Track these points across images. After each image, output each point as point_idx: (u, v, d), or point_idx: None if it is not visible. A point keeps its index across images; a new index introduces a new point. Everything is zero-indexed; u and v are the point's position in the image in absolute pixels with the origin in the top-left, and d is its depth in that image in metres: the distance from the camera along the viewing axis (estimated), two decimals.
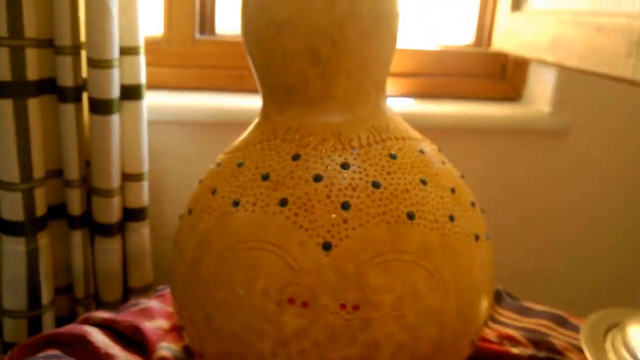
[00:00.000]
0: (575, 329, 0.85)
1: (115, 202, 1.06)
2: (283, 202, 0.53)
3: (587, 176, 1.31)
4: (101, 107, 1.00)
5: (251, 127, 0.62)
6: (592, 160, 1.30)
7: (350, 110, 0.56)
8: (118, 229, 1.08)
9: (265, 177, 0.54)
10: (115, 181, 1.05)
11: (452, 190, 0.57)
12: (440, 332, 0.54)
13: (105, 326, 0.78)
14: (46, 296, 1.03)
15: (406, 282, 0.52)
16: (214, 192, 0.57)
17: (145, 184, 1.09)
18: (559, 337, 0.87)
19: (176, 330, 0.76)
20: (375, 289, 0.51)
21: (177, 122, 1.18)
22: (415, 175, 0.55)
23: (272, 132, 0.57)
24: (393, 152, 0.55)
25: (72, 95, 0.98)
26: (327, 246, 0.51)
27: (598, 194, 1.32)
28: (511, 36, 1.16)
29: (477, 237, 0.58)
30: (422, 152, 0.58)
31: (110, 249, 1.08)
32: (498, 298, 0.98)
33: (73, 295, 1.10)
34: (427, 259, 0.53)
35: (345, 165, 0.54)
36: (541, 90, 1.27)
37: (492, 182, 1.29)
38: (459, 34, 1.34)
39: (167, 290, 0.92)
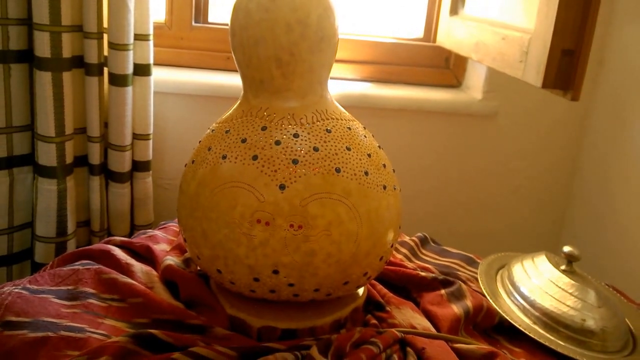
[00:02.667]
0: (478, 267, 1.11)
1: (127, 155, 1.30)
2: (254, 158, 0.78)
3: (512, 152, 1.54)
4: (118, 80, 1.24)
5: (235, 105, 0.86)
6: (517, 139, 1.53)
7: (302, 98, 0.81)
8: (128, 177, 1.33)
9: (243, 141, 0.80)
10: (128, 139, 1.29)
11: (369, 155, 0.83)
12: (356, 248, 0.80)
13: (123, 246, 1.03)
14: (70, 227, 1.28)
15: (333, 212, 0.78)
16: (209, 149, 0.82)
17: (150, 143, 1.33)
18: (464, 272, 1.13)
19: (176, 250, 1.02)
20: (313, 216, 0.77)
21: (176, 94, 1.41)
22: (343, 144, 0.80)
23: (249, 110, 0.82)
24: (329, 127, 0.81)
25: (96, 70, 1.22)
26: (282, 187, 0.77)
27: (521, 166, 1.56)
28: (449, 35, 1.40)
29: (385, 187, 0.84)
30: (349, 128, 0.83)
31: (121, 193, 1.33)
32: (424, 242, 1.25)
33: (90, 229, 1.35)
34: (348, 198, 0.79)
35: (296, 135, 0.79)
36: (476, 80, 1.50)
37: (434, 155, 1.51)
38: (410, 29, 1.58)
39: (168, 224, 1.17)
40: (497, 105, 1.48)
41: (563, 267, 1.00)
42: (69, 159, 1.23)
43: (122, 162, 1.30)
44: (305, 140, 0.79)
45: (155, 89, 1.33)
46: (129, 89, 1.25)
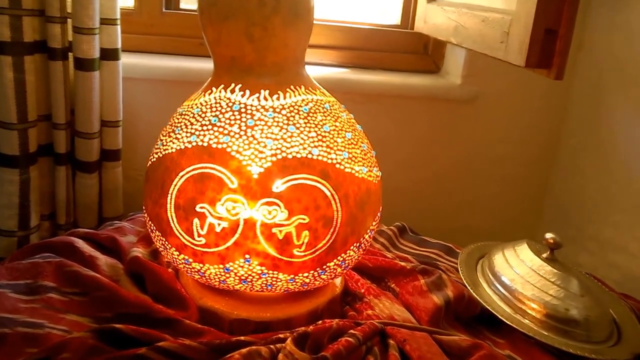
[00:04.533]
0: (457, 257, 1.07)
1: (95, 143, 1.23)
2: (226, 139, 0.72)
3: (493, 137, 1.49)
4: (84, 64, 1.16)
5: (206, 83, 0.81)
6: (497, 124, 1.48)
7: (276, 75, 0.76)
8: (96, 167, 1.26)
9: (214, 121, 0.74)
10: (96, 126, 1.22)
11: (348, 136, 0.78)
12: (334, 235, 0.75)
13: (87, 238, 0.97)
14: (34, 220, 1.20)
15: (310, 196, 0.73)
16: (176, 131, 0.76)
17: (119, 130, 1.26)
18: (444, 262, 1.09)
19: (143, 241, 0.96)
20: (288, 200, 0.72)
21: (147, 80, 1.35)
22: (321, 123, 0.75)
23: (220, 88, 0.76)
24: (305, 105, 0.76)
25: (60, 54, 1.15)
26: (256, 170, 0.72)
27: (501, 150, 1.50)
28: (427, 21, 1.35)
29: (365, 171, 0.79)
30: (327, 107, 0.78)
31: (89, 184, 1.25)
32: (402, 232, 1.20)
33: (55, 222, 1.28)
34: (326, 181, 0.74)
35: (271, 113, 0.74)
36: (455, 65, 1.46)
37: (414, 142, 1.47)
38: (387, 16, 1.54)
39: (136, 215, 1.11)
40: (476, 89, 1.44)
41: (545, 255, 0.96)
42: (32, 148, 1.16)
43: (89, 151, 1.23)
44: (281, 119, 0.74)
45: (124, 75, 1.26)
46: (96, 73, 1.18)
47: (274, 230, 0.72)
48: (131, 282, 0.86)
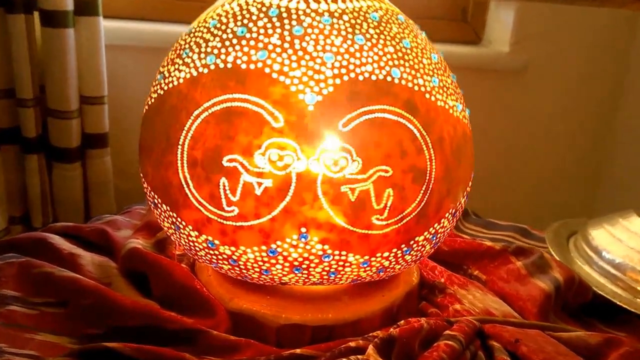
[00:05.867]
0: (538, 239, 0.83)
1: (74, 124, 0.97)
2: (262, 56, 0.47)
3: (544, 110, 1.28)
4: (54, 19, 0.90)
5: None
6: (548, 95, 1.28)
7: None
8: (78, 156, 1.00)
9: (242, 32, 0.49)
10: (73, 103, 0.96)
11: (435, 58, 0.53)
12: (426, 194, 0.50)
13: (67, 234, 0.71)
14: (0, 223, 0.94)
15: (393, 138, 0.48)
16: (186, 53, 0.51)
17: (105, 109, 1.00)
18: (524, 244, 0.85)
19: (143, 231, 0.70)
20: (362, 145, 0.47)
21: (135, 48, 1.09)
22: (398, 36, 0.51)
23: None
24: (373, 12, 0.51)
25: (21, 5, 0.89)
26: (311, 99, 0.47)
27: (553, 125, 1.30)
28: None
29: (459, 109, 0.54)
30: (401, 19, 0.53)
31: (69, 176, 0.99)
32: (465, 215, 0.96)
33: (30, 225, 1.01)
34: (413, 117, 0.49)
35: (327, 19, 0.49)
36: (500, 32, 1.24)
37: None
38: None
39: (133, 207, 0.85)
40: (526, 58, 1.22)
41: None
42: None
43: (68, 135, 0.97)
44: (343, 26, 0.49)
45: (109, 42, 1.00)
46: (70, 31, 0.92)
47: (343, 189, 0.47)
48: (128, 284, 0.60)
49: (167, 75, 0.52)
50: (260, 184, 0.47)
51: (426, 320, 0.54)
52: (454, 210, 0.55)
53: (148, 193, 0.54)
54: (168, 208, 0.51)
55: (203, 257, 0.53)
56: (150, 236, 0.68)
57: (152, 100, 0.53)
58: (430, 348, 0.50)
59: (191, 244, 0.52)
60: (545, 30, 1.21)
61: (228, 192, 0.47)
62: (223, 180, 0.47)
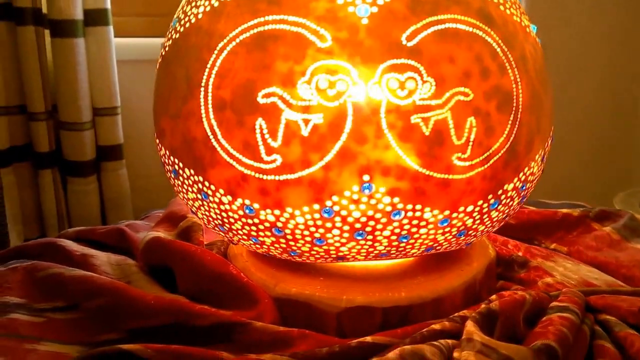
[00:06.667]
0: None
1: (87, 137, 0.85)
2: None
3: (562, 77, 1.14)
4: (64, 29, 0.80)
5: None
6: (565, 63, 1.14)
7: None
8: (93, 169, 0.88)
9: None
10: (85, 114, 0.84)
11: None
12: (515, 124, 0.37)
13: (80, 239, 0.57)
14: (15, 242, 0.81)
15: (470, 53, 0.35)
16: None
17: (118, 120, 0.89)
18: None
19: (164, 223, 0.57)
20: (432, 61, 0.34)
21: (150, 62, 0.98)
22: None
23: None
24: None
25: (31, 17, 0.78)
26: (363, 11, 0.34)
27: (574, 92, 1.16)
28: None
29: (534, 31, 0.42)
30: None
31: (85, 190, 0.87)
32: None
33: None
34: (490, 29, 0.36)
35: None
36: None
37: None
38: None
39: (152, 213, 0.72)
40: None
41: None
42: (1, 144, 0.78)
43: (81, 147, 0.85)
44: None
45: (119, 58, 0.89)
46: (80, 41, 0.82)
47: (414, 119, 0.34)
48: (151, 281, 0.46)
49: (182, 17, 0.40)
50: (307, 121, 0.34)
51: (527, 292, 0.40)
52: (543, 153, 0.41)
53: (166, 160, 0.41)
54: (192, 172, 0.38)
55: (239, 232, 0.39)
56: (173, 227, 0.54)
57: (167, 48, 0.41)
58: (541, 323, 0.36)
59: (223, 216, 0.39)
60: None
61: (267, 136, 0.34)
62: (259, 121, 0.34)
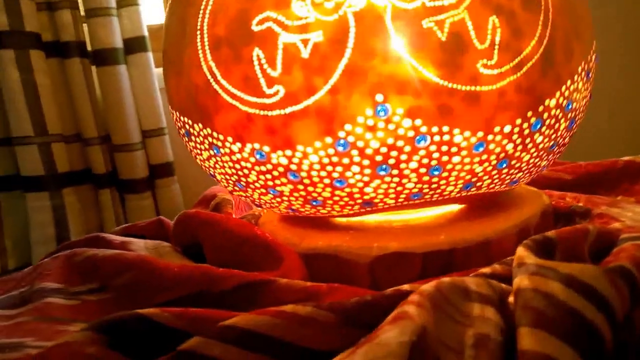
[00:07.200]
0: None
1: (139, 157, 0.84)
2: None
3: None
4: (106, 57, 0.80)
5: None
6: None
7: None
8: (146, 186, 0.86)
9: None
10: (135, 135, 0.84)
11: None
12: (547, 24, 0.31)
13: (123, 233, 0.55)
14: None
15: None
16: None
17: (166, 139, 0.88)
18: None
19: (201, 205, 0.54)
20: None
21: None
22: None
23: None
24: None
25: (76, 49, 0.80)
26: None
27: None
28: None
29: None
30: None
31: (141, 206, 0.86)
32: None
33: None
34: None
35: None
36: None
37: None
38: None
39: None
40: None
41: None
42: (62, 167, 0.79)
43: (134, 167, 0.84)
44: None
45: (160, 85, 0.89)
46: (122, 68, 0.82)
47: (426, 24, 0.28)
48: (181, 256, 0.42)
49: None
50: (306, 42, 0.29)
51: (590, 224, 0.33)
52: (587, 68, 0.34)
53: (179, 124, 0.37)
54: (200, 126, 0.34)
55: (256, 185, 0.35)
56: (205, 208, 0.51)
57: (167, 10, 0.38)
58: (611, 254, 0.29)
59: (237, 168, 0.34)
60: None
61: (266, 66, 0.30)
62: (256, 51, 0.30)
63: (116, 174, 0.85)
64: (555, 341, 0.20)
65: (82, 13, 0.80)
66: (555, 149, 0.36)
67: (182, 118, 0.36)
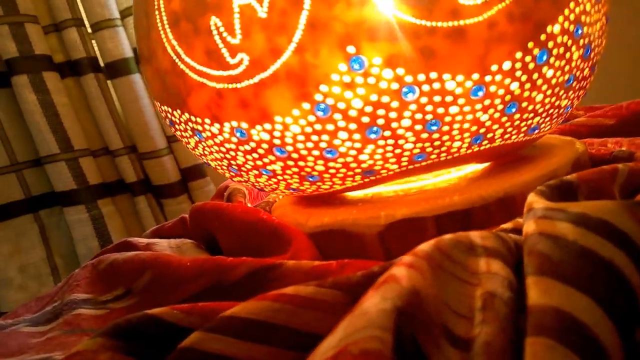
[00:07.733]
0: None
1: (166, 162, 0.84)
2: None
3: None
4: (118, 69, 0.81)
5: None
6: None
7: None
8: (181, 189, 0.87)
9: None
10: (160, 142, 0.84)
11: None
12: None
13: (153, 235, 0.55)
14: None
15: None
16: None
17: None
18: None
19: (216, 199, 0.52)
20: None
21: None
22: None
23: None
24: None
25: (88, 65, 0.80)
26: None
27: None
28: None
29: None
30: None
31: (178, 209, 0.86)
32: None
33: None
34: None
35: None
36: None
37: None
38: None
39: None
40: None
41: None
42: (93, 179, 0.80)
43: (164, 172, 0.84)
44: None
45: None
46: (136, 77, 0.81)
47: None
48: (200, 251, 0.41)
49: None
50: (261, 0, 0.26)
51: (622, 164, 0.29)
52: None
53: (164, 115, 0.36)
54: (179, 111, 0.32)
55: (249, 167, 0.33)
56: (221, 199, 0.49)
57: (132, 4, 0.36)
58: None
59: (223, 151, 0.32)
60: None
61: (225, 34, 0.27)
62: (213, 20, 0.27)
63: (149, 181, 0.85)
64: (564, 288, 0.17)
65: (89, 30, 0.80)
66: (574, 84, 0.31)
67: (162, 108, 0.34)
